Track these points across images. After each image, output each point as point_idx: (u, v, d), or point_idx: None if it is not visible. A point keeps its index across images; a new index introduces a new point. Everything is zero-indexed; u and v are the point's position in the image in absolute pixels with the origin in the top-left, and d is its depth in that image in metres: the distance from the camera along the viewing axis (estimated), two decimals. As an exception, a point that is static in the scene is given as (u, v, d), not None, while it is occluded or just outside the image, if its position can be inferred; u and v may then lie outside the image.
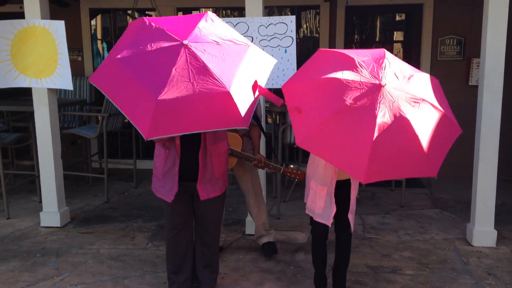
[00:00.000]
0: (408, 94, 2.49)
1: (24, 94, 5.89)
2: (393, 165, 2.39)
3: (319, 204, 2.97)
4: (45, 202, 4.57)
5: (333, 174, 2.90)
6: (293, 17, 4.04)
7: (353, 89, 2.42)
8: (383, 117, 2.35)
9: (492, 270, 3.65)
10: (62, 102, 5.51)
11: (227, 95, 2.45)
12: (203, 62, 2.50)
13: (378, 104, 2.37)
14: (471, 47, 5.92)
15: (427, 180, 6.06)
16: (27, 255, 3.95)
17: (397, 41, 6.60)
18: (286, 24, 4.03)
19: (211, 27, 2.78)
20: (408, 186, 5.43)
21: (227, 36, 2.76)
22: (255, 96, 2.68)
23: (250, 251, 3.99)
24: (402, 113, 2.39)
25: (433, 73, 6.06)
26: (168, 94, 2.38)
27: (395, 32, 6.64)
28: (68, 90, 6.19)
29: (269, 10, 6.39)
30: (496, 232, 4.06)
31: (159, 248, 4.06)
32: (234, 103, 2.47)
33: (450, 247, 4.05)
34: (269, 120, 5.70)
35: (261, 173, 4.11)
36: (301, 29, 6.60)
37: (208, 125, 2.53)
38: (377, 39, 6.63)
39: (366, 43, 6.58)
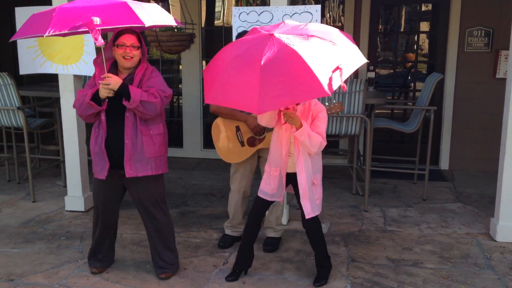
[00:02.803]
0: (297, 35, 2.62)
1: (50, 80, 5.99)
2: (284, 91, 2.45)
3: (273, 185, 3.17)
4: (69, 186, 4.65)
5: (283, 157, 3.08)
6: (319, 6, 4.00)
7: (245, 44, 2.66)
8: (268, 53, 2.50)
9: (515, 266, 3.60)
10: (87, 88, 5.57)
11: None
12: None
13: (267, 47, 2.53)
14: (499, 39, 5.79)
15: (451, 174, 5.99)
16: (52, 238, 4.04)
17: (422, 32, 6.49)
18: (311, 13, 3.99)
19: None
20: (431, 180, 5.37)
21: None
22: None
23: (270, 240, 4.00)
24: (289, 46, 2.51)
25: (459, 64, 5.97)
26: None
27: (421, 23, 6.52)
28: (93, 77, 6.25)
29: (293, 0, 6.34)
30: (520, 228, 4.00)
31: (180, 234, 4.10)
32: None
33: (472, 242, 4.01)
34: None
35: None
36: (324, 19, 6.53)
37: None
38: (402, 29, 6.53)
39: (390, 33, 6.48)
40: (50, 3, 4.33)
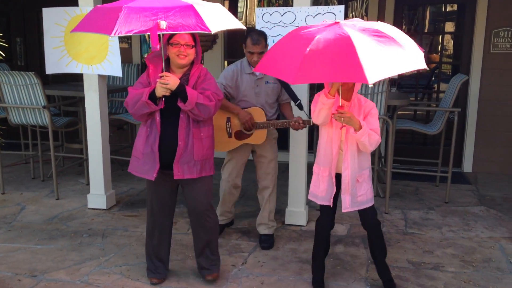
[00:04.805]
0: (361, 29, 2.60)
1: (75, 80, 6.10)
2: (325, 68, 2.46)
3: (322, 187, 3.07)
4: (92, 184, 4.73)
5: (333, 156, 2.99)
6: (342, 7, 3.98)
7: (315, 32, 2.63)
8: (325, 33, 2.53)
9: (540, 272, 3.52)
10: (111, 88, 5.67)
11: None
12: None
13: (327, 30, 2.57)
14: (526, 40, 5.69)
15: (474, 176, 5.89)
16: (75, 235, 4.11)
17: (447, 32, 6.40)
18: (334, 14, 3.98)
19: None
20: (454, 182, 5.30)
21: None
22: None
23: (290, 241, 4.00)
24: (345, 33, 2.50)
25: (485, 66, 5.87)
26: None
27: (446, 23, 6.44)
28: (117, 77, 6.34)
29: (315, 0, 6.32)
30: (546, 233, 3.91)
31: (200, 234, 4.13)
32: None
33: (495, 246, 3.94)
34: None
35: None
36: (347, 19, 6.49)
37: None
38: (426, 30, 6.45)
39: (414, 34, 6.41)
40: (76, 4, 4.41)
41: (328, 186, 3.05)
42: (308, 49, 2.48)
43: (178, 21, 2.67)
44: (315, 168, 3.12)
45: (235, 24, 2.98)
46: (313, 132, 5.45)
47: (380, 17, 6.08)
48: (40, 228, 4.26)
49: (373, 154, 5.31)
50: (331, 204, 3.08)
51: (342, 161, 2.98)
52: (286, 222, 4.35)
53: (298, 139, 4.19)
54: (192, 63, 3.09)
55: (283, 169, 5.47)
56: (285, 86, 3.80)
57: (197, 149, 3.05)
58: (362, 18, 6.37)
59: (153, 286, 3.28)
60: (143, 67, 6.89)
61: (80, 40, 4.40)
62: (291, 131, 4.18)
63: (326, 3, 6.36)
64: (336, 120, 2.83)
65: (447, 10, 6.41)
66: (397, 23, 6.14)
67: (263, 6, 6.64)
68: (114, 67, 4.38)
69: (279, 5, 6.60)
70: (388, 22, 6.02)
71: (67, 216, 4.54)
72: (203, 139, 3.08)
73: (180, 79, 2.99)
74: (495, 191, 5.35)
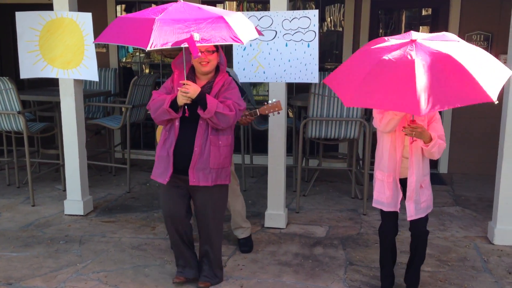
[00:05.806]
0: (442, 42, 2.61)
1: (51, 84, 6.02)
2: (444, 94, 2.39)
3: (388, 193, 3.02)
4: (69, 190, 4.66)
5: (397, 161, 2.96)
6: (316, 11, 4.02)
7: (385, 50, 2.61)
8: (420, 56, 2.47)
9: (513, 269, 3.60)
10: (87, 93, 5.61)
11: None
12: None
13: (414, 51, 2.51)
14: (498, 43, 5.81)
15: (449, 177, 5.99)
16: (51, 242, 4.06)
17: (422, 36, 6.51)
18: (309, 18, 4.02)
19: None
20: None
21: None
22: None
23: (269, 244, 4.02)
24: (439, 51, 2.48)
25: (458, 69, 5.98)
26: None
27: (420, 27, 6.55)
28: (93, 81, 6.27)
29: (293, 4, 6.37)
30: (518, 231, 4.00)
31: (179, 238, 4.11)
32: None
33: (470, 245, 4.01)
34: (290, 114, 5.71)
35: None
36: (325, 23, 6.56)
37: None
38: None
39: (390, 38, 6.50)
40: (51, 8, 4.37)
41: (394, 192, 3.01)
42: (368, 71, 2.43)
43: (211, 32, 2.70)
44: (378, 175, 3.07)
45: (255, 33, 3.01)
46: (292, 135, 5.48)
47: (356, 21, 6.16)
48: (15, 235, 4.19)
49: (351, 156, 5.37)
50: (398, 209, 3.04)
51: (408, 167, 2.95)
52: (265, 225, 4.36)
53: (277, 142, 4.21)
54: (218, 71, 3.09)
55: (262, 173, 5.51)
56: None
57: (214, 157, 3.04)
58: (340, 22, 6.44)
59: (131, 291, 3.27)
60: (120, 72, 6.84)
61: (56, 45, 4.35)
62: (270, 134, 4.20)
63: (304, 8, 6.41)
64: (406, 135, 2.81)
65: (422, 14, 6.52)
66: (373, 27, 6.23)
67: (242, 10, 6.66)
68: (90, 72, 4.34)
69: (258, 10, 6.63)
70: (364, 26, 6.18)
71: (43, 222, 4.47)
72: (221, 147, 3.07)
73: (203, 86, 3.01)
74: (470, 191, 5.45)
